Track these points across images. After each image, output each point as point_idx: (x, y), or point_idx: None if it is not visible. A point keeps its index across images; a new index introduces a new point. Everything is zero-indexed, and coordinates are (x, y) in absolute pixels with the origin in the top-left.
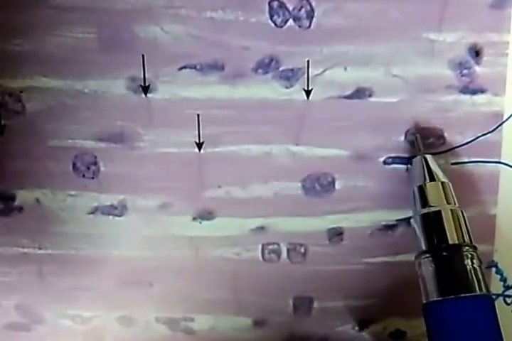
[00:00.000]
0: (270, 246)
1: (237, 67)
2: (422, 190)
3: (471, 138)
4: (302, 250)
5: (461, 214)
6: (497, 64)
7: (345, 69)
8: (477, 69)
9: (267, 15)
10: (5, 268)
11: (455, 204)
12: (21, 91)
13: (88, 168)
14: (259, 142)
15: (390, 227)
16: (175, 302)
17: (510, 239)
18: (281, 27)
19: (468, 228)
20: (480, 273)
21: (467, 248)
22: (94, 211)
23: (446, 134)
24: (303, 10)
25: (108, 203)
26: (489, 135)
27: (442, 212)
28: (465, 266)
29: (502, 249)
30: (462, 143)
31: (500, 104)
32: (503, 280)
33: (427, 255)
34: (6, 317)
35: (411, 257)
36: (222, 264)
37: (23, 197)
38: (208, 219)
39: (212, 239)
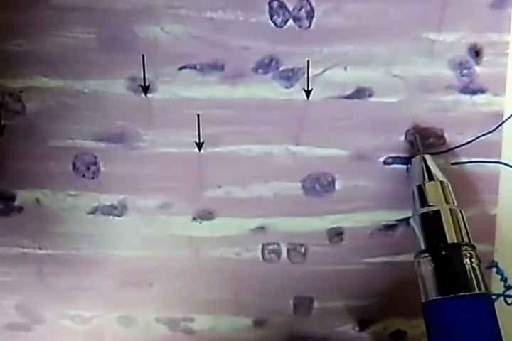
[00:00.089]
0: (270, 246)
1: (237, 67)
2: (421, 189)
3: (471, 138)
4: (302, 250)
5: (460, 214)
6: (497, 64)
7: (345, 69)
8: (477, 69)
9: (267, 15)
10: (5, 268)
11: (454, 203)
12: (21, 91)
13: (88, 168)
14: (259, 142)
15: (390, 227)
16: (175, 302)
17: (511, 239)
18: (281, 27)
19: (467, 227)
20: (479, 272)
21: (466, 247)
22: (94, 211)
23: (446, 134)
24: (303, 10)
25: (108, 203)
26: (489, 135)
27: (441, 212)
28: (464, 265)
29: (502, 248)
30: (462, 143)
31: (500, 104)
32: (504, 280)
33: (426, 254)
34: (6, 317)
35: (411, 257)
36: (222, 264)
37: (23, 197)
38: (208, 219)
39: (212, 239)
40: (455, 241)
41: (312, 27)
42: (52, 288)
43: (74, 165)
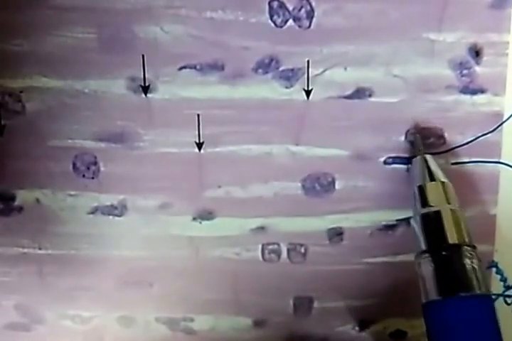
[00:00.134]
0: (270, 246)
1: (237, 67)
2: (421, 189)
3: (471, 138)
4: (302, 250)
5: (461, 214)
6: (497, 64)
7: (345, 69)
8: (477, 69)
9: (267, 15)
10: (5, 268)
11: (455, 204)
12: (21, 91)
13: (88, 168)
14: (259, 142)
15: (390, 227)
16: (175, 302)
17: (511, 239)
18: (281, 27)
19: (468, 228)
20: (480, 272)
21: (467, 247)
22: (94, 211)
23: (446, 134)
24: (303, 10)
25: (108, 203)
26: (489, 135)
27: (442, 212)
28: (465, 265)
29: (502, 249)
30: (462, 143)
31: (500, 104)
32: (504, 280)
33: (427, 255)
34: (6, 317)
35: (411, 257)
36: (223, 264)
37: (23, 197)
38: (208, 219)
39: (212, 239)
40: (456, 241)
41: (312, 27)
42: (53, 288)
43: (74, 165)
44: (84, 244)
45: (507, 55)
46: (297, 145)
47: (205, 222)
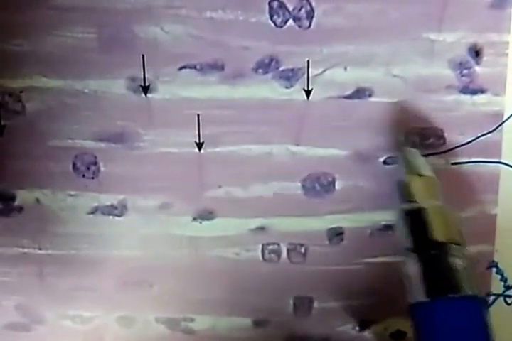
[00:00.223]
0: (270, 246)
1: (237, 67)
2: (404, 184)
3: (471, 138)
4: (302, 250)
5: (447, 211)
6: (497, 64)
7: (345, 69)
8: (477, 69)
9: (267, 15)
10: (5, 268)
11: (439, 200)
12: (21, 91)
13: (88, 168)
14: (259, 142)
15: (390, 227)
16: (175, 302)
17: (511, 239)
18: (281, 27)
19: (458, 226)
20: (468, 272)
21: (454, 246)
22: (94, 211)
23: (446, 134)
24: (303, 10)
25: (108, 203)
26: (489, 135)
27: (426, 208)
28: (453, 265)
29: (502, 249)
30: (462, 143)
31: (500, 104)
32: (504, 280)
33: (412, 253)
34: (6, 317)
35: None
36: (223, 264)
37: (23, 197)
38: (208, 219)
39: (212, 239)
40: (440, 239)
41: (312, 27)
42: (53, 288)
43: (74, 165)
44: (84, 244)
45: (507, 55)
46: (297, 145)
47: (205, 222)
